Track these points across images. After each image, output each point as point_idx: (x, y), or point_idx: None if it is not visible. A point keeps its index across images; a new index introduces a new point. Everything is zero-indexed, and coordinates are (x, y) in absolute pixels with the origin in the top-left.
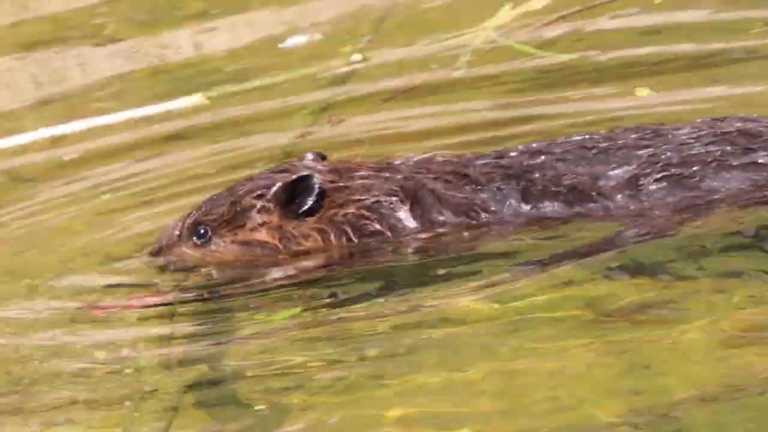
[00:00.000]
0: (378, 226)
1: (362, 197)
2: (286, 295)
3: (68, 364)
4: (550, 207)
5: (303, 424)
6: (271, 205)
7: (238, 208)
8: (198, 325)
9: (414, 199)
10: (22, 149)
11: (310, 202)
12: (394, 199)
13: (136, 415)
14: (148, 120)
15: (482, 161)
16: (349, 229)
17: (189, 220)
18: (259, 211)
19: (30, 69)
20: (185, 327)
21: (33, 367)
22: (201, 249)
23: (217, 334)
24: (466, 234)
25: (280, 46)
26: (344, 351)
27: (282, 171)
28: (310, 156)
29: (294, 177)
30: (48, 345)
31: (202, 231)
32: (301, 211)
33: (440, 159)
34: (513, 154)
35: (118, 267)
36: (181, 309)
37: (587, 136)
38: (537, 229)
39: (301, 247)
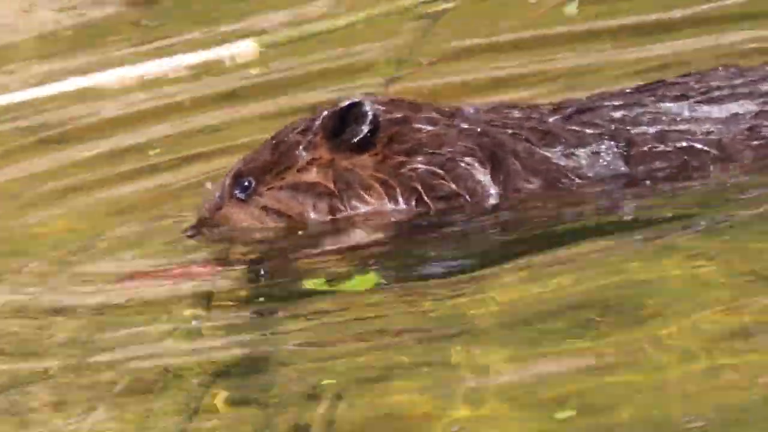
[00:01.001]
0: (454, 187)
1: (433, 150)
2: (349, 265)
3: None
4: (655, 168)
5: (354, 404)
6: (318, 138)
7: (283, 149)
8: (240, 304)
9: (494, 161)
10: (55, 99)
11: (364, 129)
12: (470, 159)
13: (169, 391)
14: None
15: (563, 115)
16: (420, 187)
17: (229, 176)
18: (305, 148)
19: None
20: (226, 303)
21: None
22: (246, 204)
23: (263, 313)
24: (555, 203)
25: None
26: (400, 331)
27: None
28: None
29: (344, 104)
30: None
31: (245, 183)
32: (353, 141)
33: (515, 111)
34: (603, 104)
35: (161, 239)
36: (223, 283)
37: (677, 83)
38: (639, 194)
39: (362, 201)
